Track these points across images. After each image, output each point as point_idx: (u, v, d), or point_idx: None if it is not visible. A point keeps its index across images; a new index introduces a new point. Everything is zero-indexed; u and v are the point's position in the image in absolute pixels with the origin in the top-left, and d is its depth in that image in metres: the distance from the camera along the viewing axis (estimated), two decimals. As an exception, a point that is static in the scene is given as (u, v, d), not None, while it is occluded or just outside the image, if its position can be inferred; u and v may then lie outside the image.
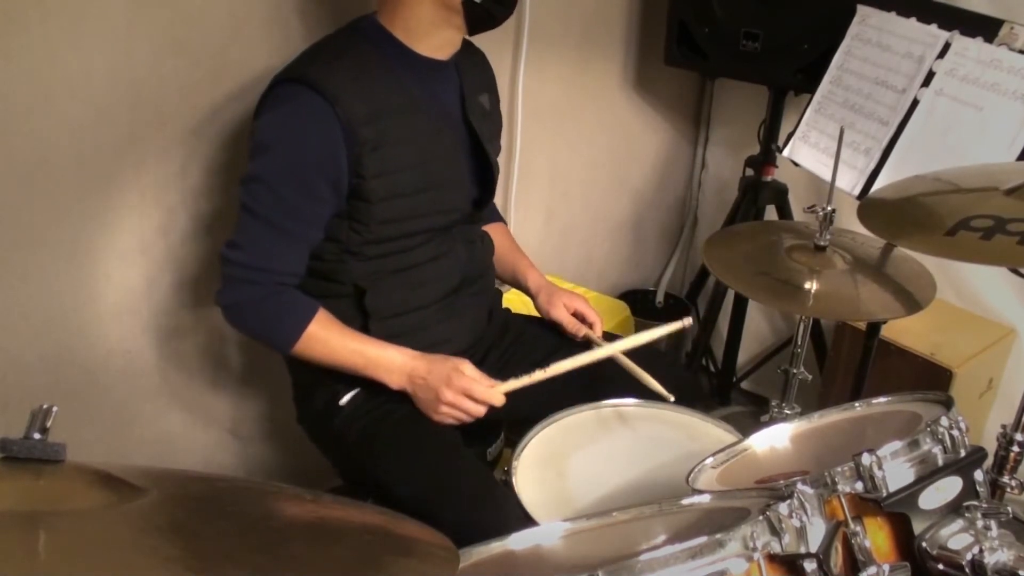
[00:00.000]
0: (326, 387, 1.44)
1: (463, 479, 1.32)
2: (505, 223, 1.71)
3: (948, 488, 0.99)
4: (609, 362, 1.45)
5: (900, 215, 1.37)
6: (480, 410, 1.34)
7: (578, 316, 1.57)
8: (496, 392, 1.34)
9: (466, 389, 1.33)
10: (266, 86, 1.33)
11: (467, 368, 1.34)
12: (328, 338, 1.34)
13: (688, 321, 1.49)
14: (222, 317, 1.36)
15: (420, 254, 1.41)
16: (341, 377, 1.40)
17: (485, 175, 1.50)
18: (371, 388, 1.40)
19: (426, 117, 1.37)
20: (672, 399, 1.40)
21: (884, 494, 0.95)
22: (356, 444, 1.41)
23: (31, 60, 1.34)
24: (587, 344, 1.52)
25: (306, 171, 1.28)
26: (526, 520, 1.20)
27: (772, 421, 1.41)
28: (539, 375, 1.36)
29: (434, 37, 1.36)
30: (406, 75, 1.35)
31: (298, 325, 1.33)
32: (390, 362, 1.36)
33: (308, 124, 1.27)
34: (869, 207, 1.37)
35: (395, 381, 1.36)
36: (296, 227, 1.31)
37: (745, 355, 2.53)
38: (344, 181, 1.30)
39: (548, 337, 1.59)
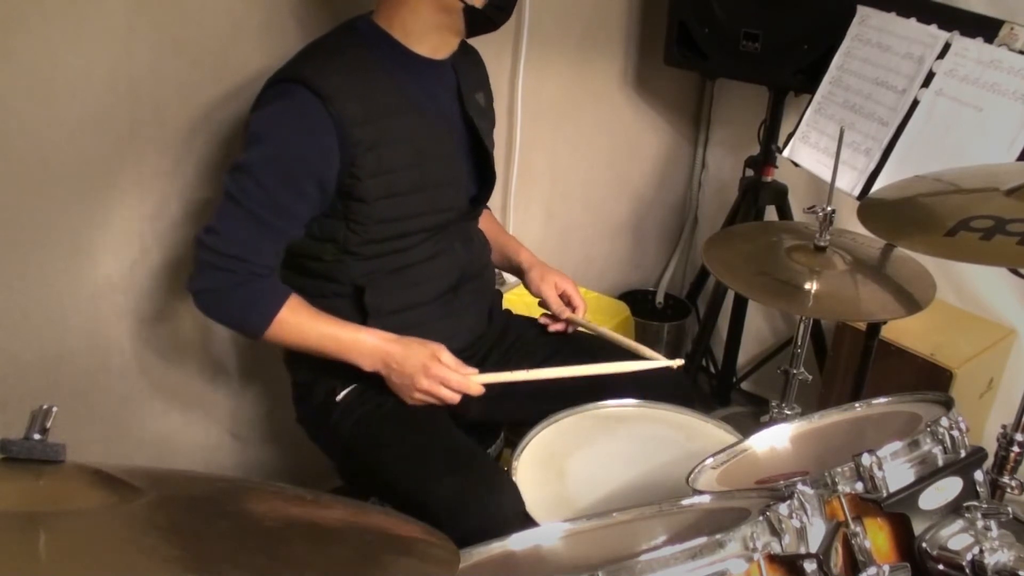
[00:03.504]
0: (324, 384, 1.44)
1: (456, 452, 1.33)
2: (489, 210, 1.71)
3: (948, 488, 0.99)
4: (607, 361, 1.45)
5: (900, 215, 1.37)
6: (455, 397, 1.35)
7: (564, 298, 1.58)
8: (472, 382, 1.34)
9: (442, 379, 1.33)
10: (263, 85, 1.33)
11: (444, 355, 1.34)
12: (299, 323, 1.34)
13: (680, 363, 1.42)
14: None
15: (418, 252, 1.41)
16: (339, 374, 1.41)
17: (483, 172, 1.50)
18: (368, 382, 1.41)
19: (423, 116, 1.37)
20: (678, 363, 1.40)
21: (884, 494, 0.95)
22: (352, 435, 1.41)
23: (31, 60, 1.34)
24: (581, 357, 1.47)
25: (293, 167, 1.28)
26: (526, 520, 1.20)
27: (772, 422, 1.41)
28: (520, 375, 1.37)
29: (433, 39, 1.37)
30: (403, 75, 1.36)
31: (269, 311, 1.32)
32: (362, 345, 1.35)
33: (299, 121, 1.27)
34: (869, 207, 1.37)
35: (368, 364, 1.36)
36: (277, 221, 1.30)
37: (745, 356, 2.53)
38: (332, 181, 1.30)
39: (549, 339, 1.59)
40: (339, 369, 1.38)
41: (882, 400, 1.19)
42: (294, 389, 1.53)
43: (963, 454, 1.01)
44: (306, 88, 1.26)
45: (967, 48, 1.62)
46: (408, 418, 1.38)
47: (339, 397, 1.43)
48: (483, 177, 1.51)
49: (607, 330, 1.55)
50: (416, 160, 1.35)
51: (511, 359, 1.56)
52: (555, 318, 1.58)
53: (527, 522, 1.19)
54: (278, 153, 1.29)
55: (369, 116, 1.29)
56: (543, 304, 1.61)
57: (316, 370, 1.43)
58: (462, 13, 1.33)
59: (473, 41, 1.47)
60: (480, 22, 1.35)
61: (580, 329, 1.59)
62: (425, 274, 1.43)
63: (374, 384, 1.39)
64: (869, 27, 1.78)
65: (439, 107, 1.42)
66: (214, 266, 1.30)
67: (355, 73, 1.30)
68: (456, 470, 1.28)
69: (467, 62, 1.49)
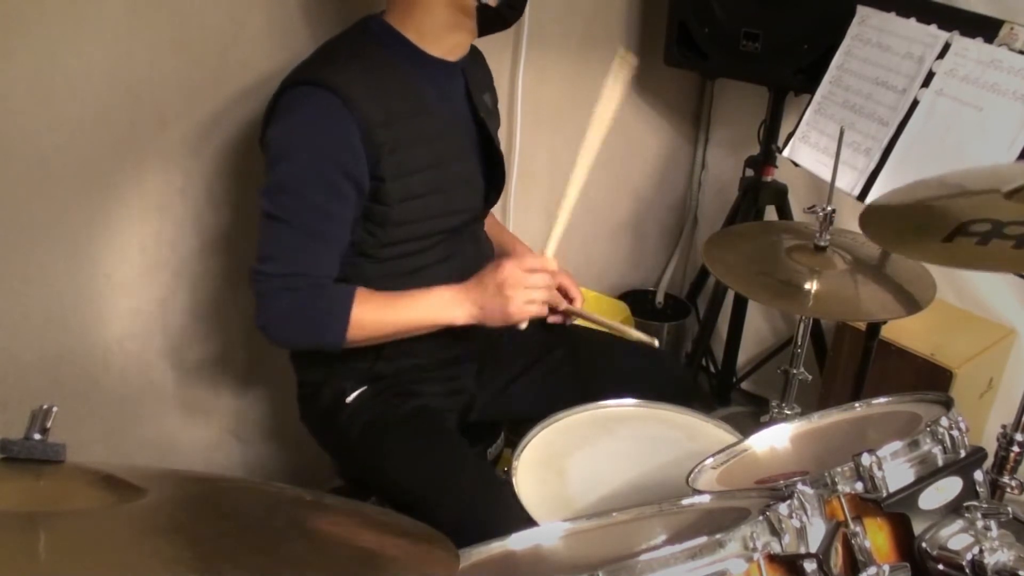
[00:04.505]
0: (334, 385, 1.43)
1: (464, 475, 1.32)
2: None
3: (948, 488, 0.99)
4: (605, 362, 1.50)
5: (899, 222, 1.36)
6: (549, 281, 1.35)
7: (561, 290, 1.57)
8: (547, 260, 1.35)
9: (521, 264, 1.32)
10: (275, 89, 1.31)
11: (507, 265, 1.32)
12: (376, 314, 1.31)
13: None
14: (225, 316, 1.36)
15: (432, 255, 1.40)
16: (349, 375, 1.40)
17: (494, 173, 1.50)
18: (377, 385, 1.40)
19: (438, 118, 1.37)
20: (656, 343, 1.44)
21: (884, 494, 0.95)
22: (359, 440, 1.40)
23: (31, 60, 1.34)
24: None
25: (330, 172, 1.26)
26: (526, 520, 1.20)
27: (772, 421, 1.41)
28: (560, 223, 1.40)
29: (447, 40, 1.36)
30: (417, 77, 1.35)
31: (343, 315, 1.29)
32: (447, 302, 1.33)
33: (326, 125, 1.25)
34: (869, 215, 1.37)
35: (462, 316, 1.33)
36: (327, 229, 1.28)
37: (745, 355, 2.53)
38: (365, 181, 1.28)
39: (546, 335, 1.59)
40: (350, 369, 1.38)
41: (882, 400, 1.19)
42: (300, 387, 1.51)
43: (963, 454, 1.01)
44: (327, 90, 1.23)
45: (967, 48, 1.62)
46: (418, 430, 1.38)
47: (349, 399, 1.42)
48: (493, 178, 1.50)
49: (603, 317, 1.55)
50: (433, 162, 1.35)
51: (509, 354, 1.56)
52: (553, 310, 1.57)
53: (527, 522, 1.19)
54: (311, 162, 1.26)
55: (389, 118, 1.28)
56: None
57: (326, 370, 1.42)
58: (476, 12, 1.32)
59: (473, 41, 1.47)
60: (492, 20, 1.36)
61: (577, 320, 1.59)
62: (438, 276, 1.41)
63: (385, 387, 1.39)
64: (869, 27, 1.78)
65: (453, 109, 1.41)
66: (278, 290, 1.27)
67: (372, 75, 1.29)
68: (461, 491, 1.28)
69: (474, 64, 1.48)
